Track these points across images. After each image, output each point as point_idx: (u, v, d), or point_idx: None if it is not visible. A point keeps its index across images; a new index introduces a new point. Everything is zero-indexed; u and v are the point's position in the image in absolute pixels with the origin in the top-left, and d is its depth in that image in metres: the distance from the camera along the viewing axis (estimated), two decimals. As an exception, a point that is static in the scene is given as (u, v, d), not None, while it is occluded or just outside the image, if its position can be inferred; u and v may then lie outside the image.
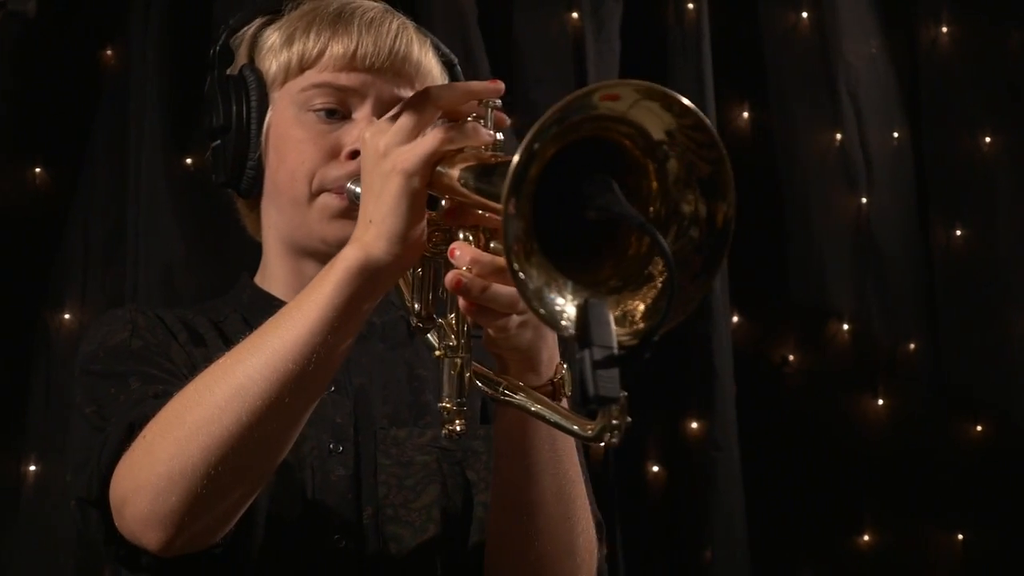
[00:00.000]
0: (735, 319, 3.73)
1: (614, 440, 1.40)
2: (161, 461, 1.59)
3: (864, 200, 3.85)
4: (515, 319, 1.57)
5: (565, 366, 1.66)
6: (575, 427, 1.52)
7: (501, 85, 1.60)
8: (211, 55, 2.02)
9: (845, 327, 3.80)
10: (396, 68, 1.93)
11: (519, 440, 1.73)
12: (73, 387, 1.85)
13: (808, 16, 3.88)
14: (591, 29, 3.66)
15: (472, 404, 1.91)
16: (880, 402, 3.76)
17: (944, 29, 3.98)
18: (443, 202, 1.60)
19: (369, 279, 1.57)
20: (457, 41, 3.57)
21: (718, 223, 1.36)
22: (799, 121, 3.85)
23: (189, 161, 3.55)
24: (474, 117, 1.61)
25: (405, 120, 1.57)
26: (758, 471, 3.58)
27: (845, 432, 3.74)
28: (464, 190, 1.52)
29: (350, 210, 1.87)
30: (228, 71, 2.02)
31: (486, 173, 1.49)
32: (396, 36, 1.94)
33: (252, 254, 3.41)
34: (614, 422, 1.39)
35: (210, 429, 1.57)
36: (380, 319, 2.00)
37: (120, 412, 1.73)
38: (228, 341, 1.89)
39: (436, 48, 2.03)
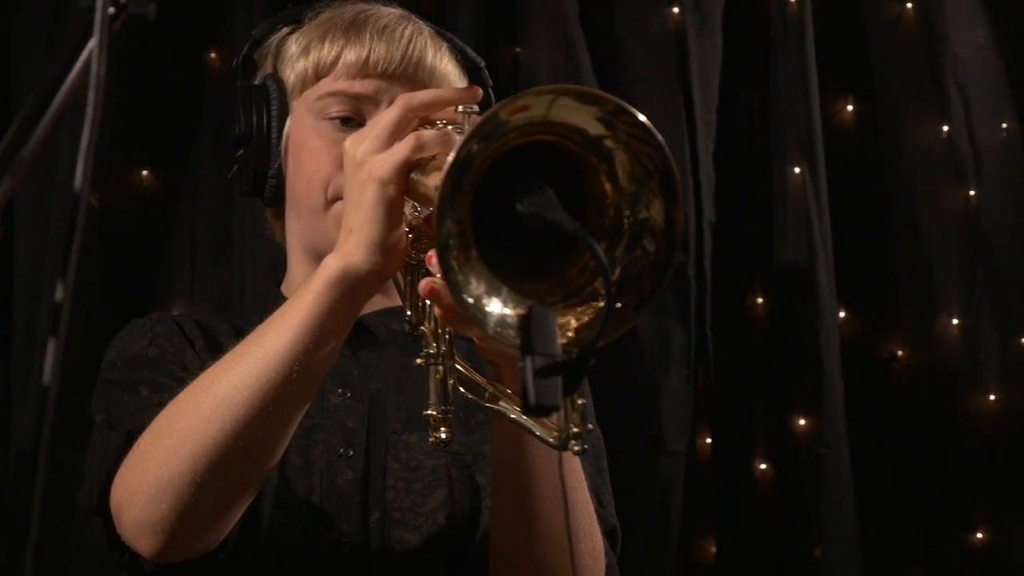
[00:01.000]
0: (842, 314, 3.69)
1: (576, 448, 1.41)
2: (151, 469, 1.62)
3: (972, 192, 3.78)
4: None
5: None
6: (547, 436, 1.51)
7: (478, 91, 1.62)
8: (234, 65, 2.05)
9: (954, 321, 3.75)
10: (410, 74, 1.93)
11: (515, 447, 1.72)
12: (94, 395, 1.90)
13: (913, 6, 3.82)
14: (693, 23, 3.64)
15: (488, 418, 1.92)
16: (992, 397, 3.70)
17: (1054, 17, 3.91)
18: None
19: (349, 287, 1.58)
20: (559, 39, 3.57)
21: (675, 227, 1.34)
22: (905, 113, 3.79)
23: (293, 161, 3.57)
24: (450, 123, 1.61)
25: (381, 128, 1.58)
26: (868, 468, 3.54)
27: (956, 428, 3.68)
28: (434, 197, 1.50)
29: None
30: (253, 81, 2.04)
31: (437, 180, 1.47)
32: (409, 42, 1.94)
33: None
34: (574, 429, 1.39)
35: (196, 437, 1.59)
36: (399, 325, 2.00)
37: (124, 420, 1.76)
38: None
39: (460, 53, 2.04)
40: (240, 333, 1.96)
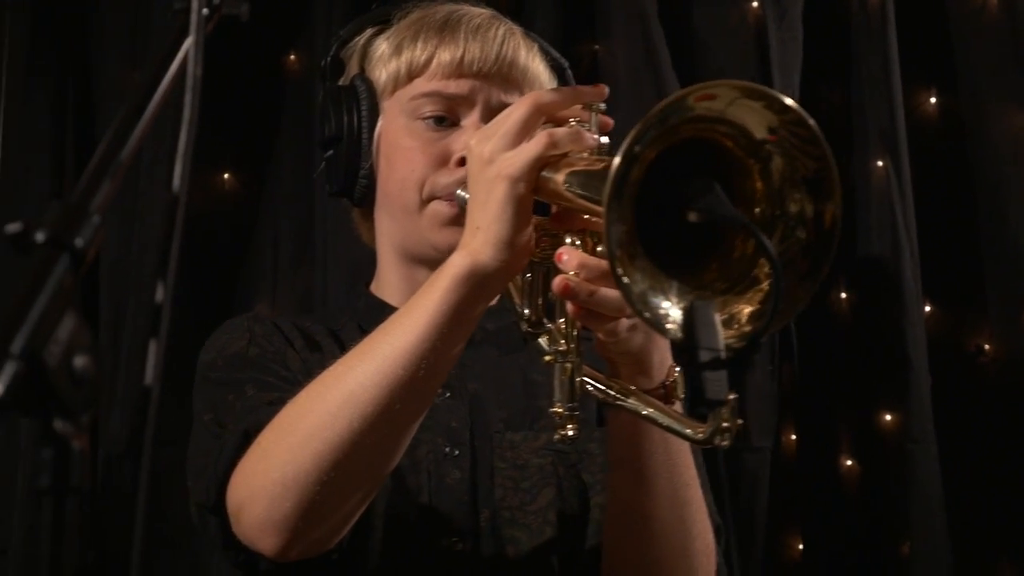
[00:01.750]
0: (928, 309, 3.65)
1: (725, 443, 1.40)
2: (275, 467, 1.63)
3: (1059, 184, 3.73)
4: (625, 323, 1.58)
5: (677, 369, 1.66)
6: (687, 430, 1.52)
7: (605, 89, 1.61)
8: (322, 66, 2.06)
9: (1039, 310, 3.70)
10: (503, 74, 1.94)
11: (632, 444, 1.73)
12: (193, 396, 1.91)
13: (996, -5, 3.78)
14: (773, 17, 3.61)
15: (588, 407, 1.92)
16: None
17: None
18: (552, 207, 1.61)
19: (477, 285, 1.58)
20: (638, 36, 3.56)
21: (825, 223, 1.34)
22: (989, 104, 3.74)
23: (373, 163, 3.58)
24: (578, 121, 1.62)
25: (510, 126, 1.58)
26: (956, 463, 3.49)
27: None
28: (570, 195, 1.52)
29: (460, 217, 1.86)
30: (340, 81, 2.05)
31: (591, 177, 1.49)
32: (503, 42, 1.95)
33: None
34: (724, 424, 1.39)
35: (323, 435, 1.60)
36: (494, 325, 2.02)
37: (235, 419, 1.77)
38: (344, 348, 1.93)
39: (545, 53, 2.04)
40: (334, 334, 1.97)
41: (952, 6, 3.79)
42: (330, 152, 2.02)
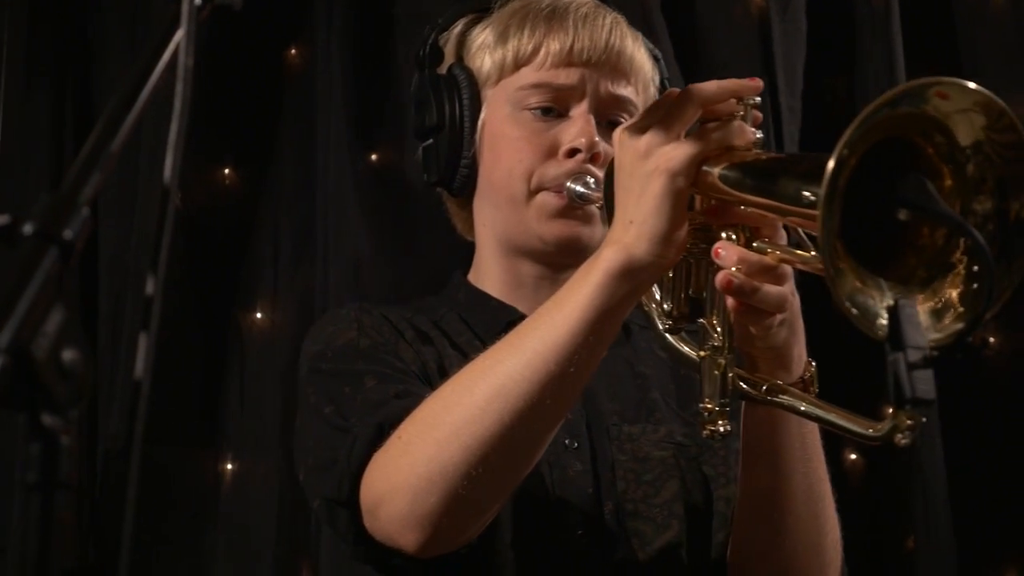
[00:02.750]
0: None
1: (905, 441, 1.38)
2: (420, 462, 1.60)
3: (1064, 176, 3.71)
4: (777, 318, 1.57)
5: (813, 364, 1.64)
6: (856, 427, 1.50)
7: (760, 83, 1.58)
8: (420, 55, 2.03)
9: (1047, 306, 3.68)
10: (612, 63, 1.92)
11: (769, 439, 1.72)
12: (302, 387, 1.88)
13: (1002, -11, 3.76)
14: (776, 9, 3.59)
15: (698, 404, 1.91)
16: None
17: None
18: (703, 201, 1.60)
19: (630, 280, 1.56)
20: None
21: (1012, 217, 1.33)
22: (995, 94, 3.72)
23: (375, 158, 3.58)
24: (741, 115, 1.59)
25: (667, 119, 1.55)
26: (961, 457, 3.48)
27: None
28: (728, 189, 1.51)
29: (568, 209, 1.89)
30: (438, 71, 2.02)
31: (755, 171, 1.49)
32: (611, 31, 1.93)
33: (439, 249, 3.43)
34: (909, 422, 1.36)
35: (471, 430, 1.58)
36: None
37: (361, 412, 1.74)
38: (451, 341, 1.93)
39: (645, 42, 2.02)
40: (438, 326, 1.95)
41: (958, -1, 3.78)
42: (429, 141, 2.00)
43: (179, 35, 1.15)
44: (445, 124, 1.97)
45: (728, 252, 1.51)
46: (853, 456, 3.60)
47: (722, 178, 1.52)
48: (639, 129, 1.57)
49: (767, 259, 1.52)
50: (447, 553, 1.69)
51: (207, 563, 3.43)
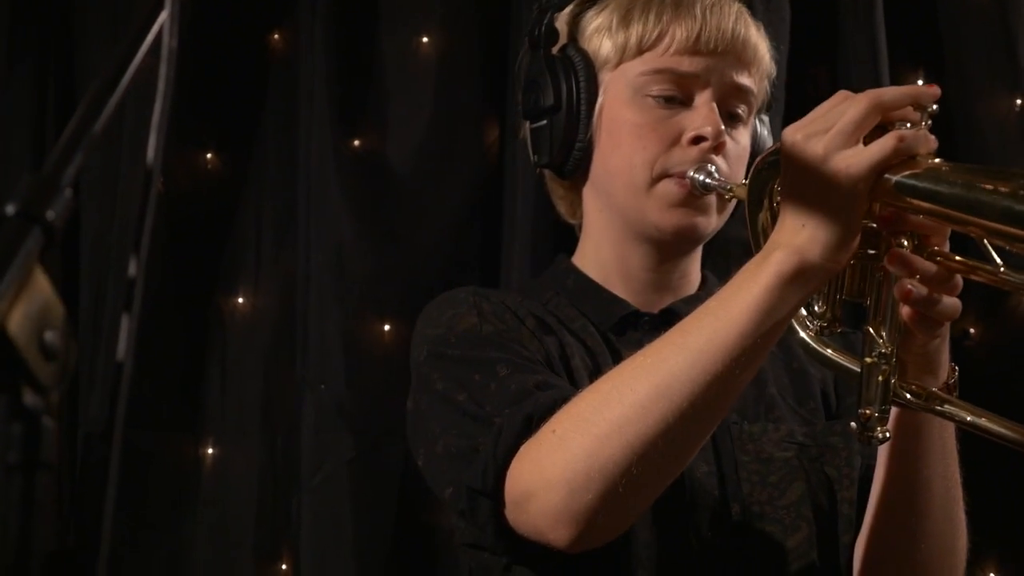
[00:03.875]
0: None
1: None
2: (578, 457, 1.58)
3: (1045, 167, 3.73)
4: (945, 327, 1.57)
5: (956, 369, 1.64)
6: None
7: (938, 90, 1.56)
8: (535, 34, 1.99)
9: (1027, 298, 3.69)
10: (737, 53, 1.89)
11: (913, 444, 1.72)
12: (423, 370, 1.84)
13: (985, -23, 3.77)
14: (760, -2, 3.60)
15: (817, 400, 1.91)
16: None
17: None
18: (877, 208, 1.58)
19: (802, 285, 1.54)
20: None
21: None
22: (977, 87, 3.73)
23: (357, 143, 3.57)
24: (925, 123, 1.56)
25: (846, 123, 1.51)
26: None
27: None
28: (907, 197, 1.49)
29: (690, 198, 1.86)
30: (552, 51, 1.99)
31: (947, 183, 1.46)
32: (736, 19, 1.91)
33: (420, 235, 3.42)
34: None
35: (634, 428, 1.55)
36: None
37: (500, 401, 1.72)
38: (566, 327, 1.91)
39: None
40: (550, 311, 1.95)
41: (941, -13, 3.79)
42: (542, 122, 1.97)
43: (163, 16, 1.15)
44: (562, 105, 1.93)
45: (904, 262, 1.50)
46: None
47: (905, 187, 1.48)
48: (814, 131, 1.53)
49: (943, 269, 1.51)
50: (585, 556, 1.67)
51: (187, 547, 3.44)
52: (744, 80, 1.90)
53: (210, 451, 3.48)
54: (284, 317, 3.54)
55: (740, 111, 1.92)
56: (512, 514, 1.67)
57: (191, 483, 3.47)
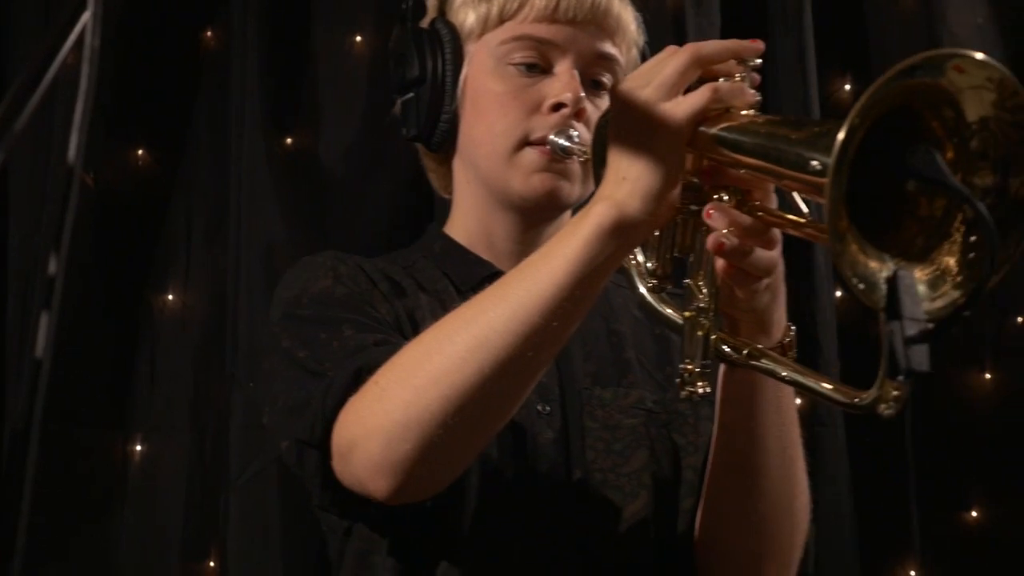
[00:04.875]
0: (838, 294, 3.68)
1: (889, 411, 1.36)
2: (397, 408, 1.59)
3: (970, 172, 3.77)
4: (764, 282, 1.56)
5: (793, 328, 1.64)
6: (838, 395, 1.47)
7: (761, 44, 1.57)
8: (403, 8, 2.00)
9: (951, 301, 3.74)
10: (598, 21, 1.89)
11: (747, 403, 1.72)
12: (275, 331, 1.84)
13: (912, -14, 3.82)
14: (691, 3, 3.62)
15: (675, 365, 1.92)
16: (987, 376, 3.69)
17: (1053, -2, 3.90)
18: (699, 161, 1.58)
19: (621, 237, 1.55)
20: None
21: (1011, 195, 1.32)
22: (903, 93, 3.78)
23: (290, 141, 3.57)
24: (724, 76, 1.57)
25: (667, 75, 1.52)
26: (863, 446, 3.53)
27: (952, 407, 3.68)
28: (725, 150, 1.50)
29: (553, 163, 1.86)
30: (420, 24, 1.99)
31: (756, 134, 1.47)
32: None
33: (352, 233, 3.43)
34: (895, 393, 1.35)
35: (451, 379, 1.56)
36: None
37: (338, 357, 1.72)
38: (424, 289, 1.91)
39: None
40: (411, 274, 1.94)
41: (868, -6, 3.83)
42: (409, 95, 1.97)
43: (86, 16, 1.15)
44: (427, 78, 1.94)
45: (720, 214, 1.50)
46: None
47: (719, 139, 1.50)
48: (637, 85, 1.54)
49: (759, 223, 1.51)
50: (414, 510, 1.68)
51: (114, 543, 3.43)
52: (608, 48, 1.90)
53: (138, 448, 3.48)
54: (214, 315, 3.54)
55: (604, 79, 1.92)
56: (338, 466, 1.67)
57: (119, 480, 3.46)
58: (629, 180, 1.54)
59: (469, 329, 1.58)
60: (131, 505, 3.45)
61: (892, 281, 1.28)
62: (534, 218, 1.95)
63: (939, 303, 1.32)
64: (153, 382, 3.52)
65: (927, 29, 3.77)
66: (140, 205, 3.56)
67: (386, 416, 1.60)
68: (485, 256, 1.97)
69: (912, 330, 1.24)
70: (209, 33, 3.63)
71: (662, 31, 3.65)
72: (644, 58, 1.99)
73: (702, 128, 1.52)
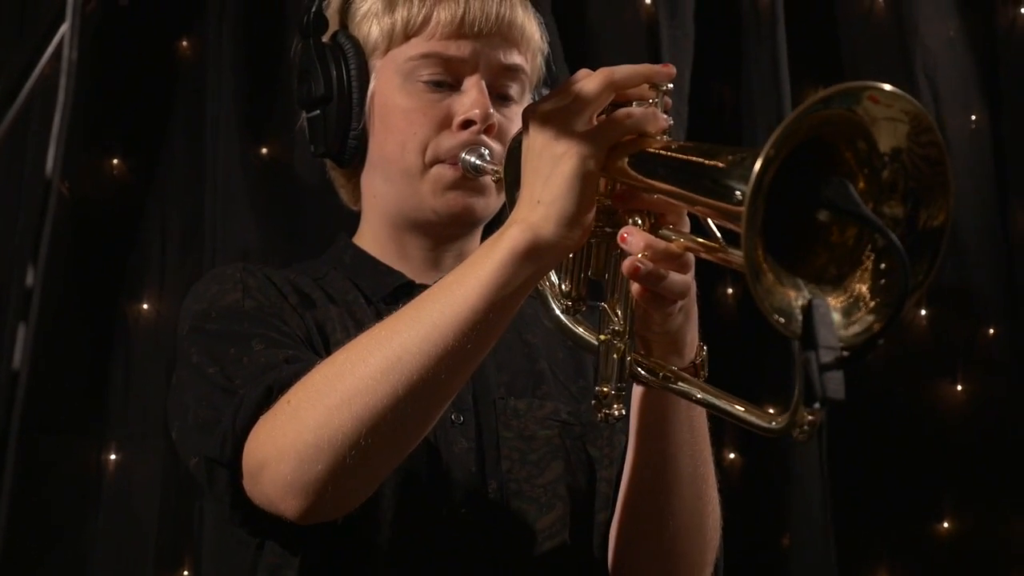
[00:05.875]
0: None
1: (803, 436, 1.38)
2: (309, 428, 1.57)
3: (941, 184, 3.79)
4: (678, 304, 1.58)
5: (705, 348, 1.66)
6: (753, 418, 1.49)
7: (674, 69, 1.58)
8: (304, 23, 1.99)
9: (923, 312, 3.76)
10: (504, 34, 1.90)
11: (659, 422, 1.73)
12: (184, 345, 1.83)
13: (884, -1, 3.84)
14: (665, 14, 3.64)
15: (588, 378, 1.92)
16: (959, 388, 3.72)
17: (1023, 11, 3.92)
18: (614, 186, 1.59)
19: (535, 260, 1.55)
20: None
21: (920, 224, 1.33)
22: (875, 104, 3.80)
23: (265, 151, 3.57)
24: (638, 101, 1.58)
25: (579, 100, 1.53)
26: (837, 457, 3.55)
27: (924, 418, 3.70)
28: (638, 175, 1.51)
29: (463, 181, 1.87)
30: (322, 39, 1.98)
31: (669, 160, 1.48)
32: (500, 1, 1.90)
33: (324, 242, 3.43)
34: (810, 418, 1.37)
35: (364, 400, 1.56)
36: None
37: (248, 374, 1.71)
38: (334, 301, 1.90)
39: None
40: (321, 287, 1.93)
41: (841, 7, 3.86)
42: (315, 112, 1.96)
43: (64, 28, 1.16)
44: (333, 95, 1.93)
45: (635, 238, 1.51)
46: (732, 455, 3.66)
47: (633, 164, 1.51)
48: (550, 108, 1.55)
49: (673, 247, 1.52)
50: (326, 527, 1.68)
51: (88, 552, 3.42)
52: (514, 59, 1.91)
53: (113, 457, 3.46)
54: (189, 324, 3.53)
55: (512, 91, 1.93)
56: (248, 485, 1.67)
57: (93, 489, 3.45)
58: (543, 204, 1.54)
59: (383, 350, 1.58)
60: (105, 514, 3.44)
61: (807, 310, 1.28)
62: (446, 235, 1.96)
63: (855, 328, 1.32)
64: (128, 391, 3.51)
65: (899, 41, 3.80)
66: (115, 214, 3.55)
67: (298, 436, 1.59)
68: (396, 267, 1.97)
69: (827, 358, 1.25)
70: (184, 42, 3.63)
71: (637, 42, 3.67)
72: (548, 65, 2.00)
73: (616, 152, 1.53)
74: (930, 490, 3.67)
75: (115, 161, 3.57)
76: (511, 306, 1.58)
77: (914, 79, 3.80)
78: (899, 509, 3.64)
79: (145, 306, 3.54)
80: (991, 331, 3.80)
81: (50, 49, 1.17)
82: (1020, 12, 3.92)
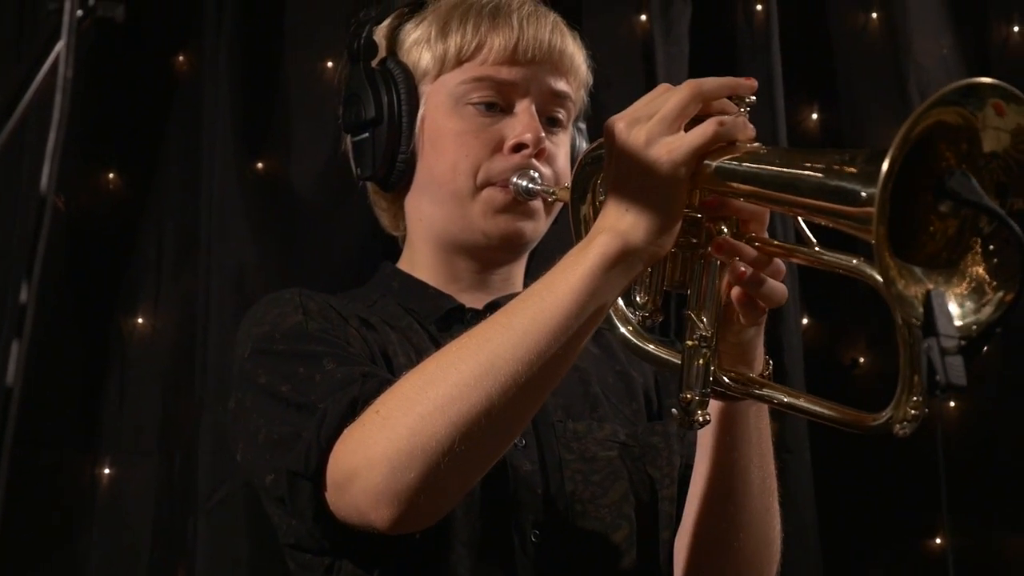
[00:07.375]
0: (805, 321, 3.71)
1: (905, 431, 1.41)
2: (402, 436, 1.58)
3: (935, 200, 3.80)
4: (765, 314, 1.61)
5: (771, 361, 1.68)
6: (847, 417, 1.51)
7: (755, 82, 1.61)
8: (354, 48, 2.00)
9: (916, 329, 3.77)
10: (555, 61, 1.93)
11: (729, 434, 1.75)
12: (247, 367, 1.82)
13: (878, 16, 3.85)
14: (660, 31, 3.65)
15: (638, 400, 1.93)
16: (951, 403, 3.72)
17: (1016, 28, 3.93)
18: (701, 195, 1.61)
19: (624, 267, 1.57)
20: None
21: (1012, 211, 1.35)
22: (869, 122, 3.81)
23: (260, 166, 3.58)
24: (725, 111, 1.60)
25: (668, 110, 1.55)
26: (829, 473, 3.55)
27: (915, 434, 3.69)
28: (733, 182, 1.53)
29: (514, 204, 1.89)
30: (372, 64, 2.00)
31: (756, 160, 1.51)
32: (552, 29, 1.94)
33: (322, 258, 3.44)
34: (912, 412, 1.40)
35: (458, 406, 1.56)
36: None
37: (325, 390, 1.71)
38: (391, 326, 1.91)
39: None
40: (374, 312, 1.93)
41: (835, 25, 3.87)
42: (364, 135, 1.97)
43: (59, 46, 1.16)
44: (383, 118, 1.94)
45: (730, 246, 1.55)
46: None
47: (722, 172, 1.53)
48: (637, 119, 1.57)
49: (767, 252, 1.55)
50: (402, 545, 1.68)
51: (82, 567, 3.42)
52: (562, 86, 1.94)
53: (107, 471, 3.47)
54: (184, 338, 3.54)
55: (560, 116, 1.95)
56: (333, 497, 1.67)
57: (87, 502, 3.45)
58: (632, 213, 1.56)
59: (474, 356, 1.59)
60: (99, 528, 3.44)
61: (927, 299, 1.31)
62: (496, 258, 1.98)
63: (987, 310, 1.35)
64: (122, 405, 3.52)
65: (893, 59, 3.81)
66: (111, 228, 3.56)
67: (390, 444, 1.59)
68: (445, 291, 1.98)
69: (948, 345, 1.27)
70: (181, 58, 3.65)
71: (632, 59, 3.68)
72: (592, 100, 2.03)
73: (706, 161, 1.54)
74: (923, 506, 3.67)
75: (111, 175, 3.58)
76: (599, 312, 1.60)
77: (907, 96, 3.80)
78: (892, 525, 3.64)
79: (140, 320, 3.55)
80: (983, 347, 3.79)
81: (46, 67, 1.17)
82: (1013, 30, 3.93)
